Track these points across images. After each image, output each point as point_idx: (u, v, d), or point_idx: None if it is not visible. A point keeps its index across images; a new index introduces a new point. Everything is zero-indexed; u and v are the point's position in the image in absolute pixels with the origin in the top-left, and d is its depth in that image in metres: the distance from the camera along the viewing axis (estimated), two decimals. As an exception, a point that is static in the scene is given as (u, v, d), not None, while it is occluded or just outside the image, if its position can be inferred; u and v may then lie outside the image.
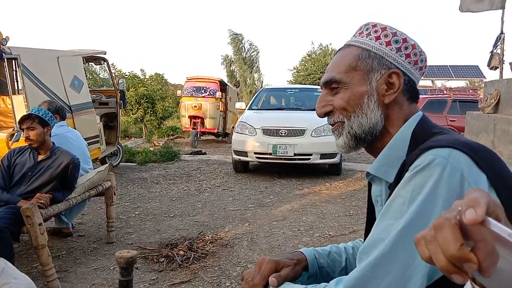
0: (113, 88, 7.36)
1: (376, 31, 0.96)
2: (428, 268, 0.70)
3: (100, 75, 19.46)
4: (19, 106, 4.74)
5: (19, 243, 3.40)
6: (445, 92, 13.19)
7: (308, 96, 8.30)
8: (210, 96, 11.86)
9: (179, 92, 12.83)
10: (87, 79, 6.64)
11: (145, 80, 14.42)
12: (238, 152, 6.84)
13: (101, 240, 3.80)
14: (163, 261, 3.26)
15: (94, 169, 3.85)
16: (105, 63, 7.37)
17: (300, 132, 6.55)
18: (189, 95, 11.94)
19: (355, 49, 0.97)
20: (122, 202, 5.13)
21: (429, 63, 1.01)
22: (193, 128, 11.41)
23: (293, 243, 3.77)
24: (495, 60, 5.93)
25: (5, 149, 4.10)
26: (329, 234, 4.00)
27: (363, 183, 6.20)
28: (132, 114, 12.94)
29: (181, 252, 3.38)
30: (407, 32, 0.96)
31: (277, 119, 7.00)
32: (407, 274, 0.72)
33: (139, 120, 13.11)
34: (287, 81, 29.80)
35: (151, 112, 13.05)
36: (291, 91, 8.89)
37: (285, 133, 6.58)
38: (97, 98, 7.24)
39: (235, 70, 31.25)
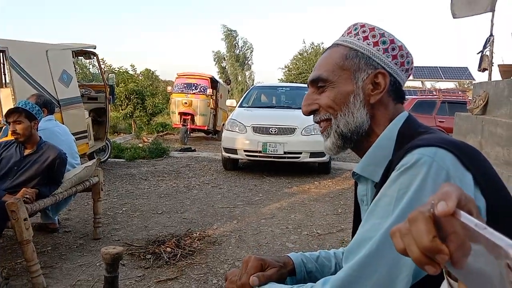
0: (103, 83, 7.29)
1: (364, 32, 0.96)
2: (414, 267, 0.70)
3: (90, 70, 19.29)
4: (7, 100, 4.68)
5: (1, 238, 3.35)
6: (434, 93, 13.30)
7: (299, 95, 8.31)
8: (201, 93, 11.83)
9: (169, 88, 12.77)
10: (76, 73, 6.57)
11: (136, 75, 14.32)
12: (228, 150, 6.83)
13: (88, 236, 3.77)
14: (150, 258, 3.24)
15: (82, 164, 3.82)
16: (95, 57, 7.30)
17: (290, 131, 6.56)
18: (180, 91, 11.89)
19: (343, 49, 0.97)
20: (109, 198, 5.10)
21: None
22: (183, 125, 11.35)
23: (281, 241, 3.77)
24: (485, 62, 5.98)
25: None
26: (317, 233, 4.01)
27: (352, 182, 6.23)
28: (122, 109, 12.85)
29: (168, 249, 3.37)
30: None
31: (268, 117, 7.00)
32: (394, 272, 0.72)
33: (128, 116, 13.01)
34: (278, 79, 29.79)
35: (141, 108, 12.97)
36: (282, 90, 8.91)
37: (275, 131, 6.58)
38: (86, 93, 7.17)
39: (226, 67, 31.14)
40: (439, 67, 22.65)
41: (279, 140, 6.48)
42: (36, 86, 5.07)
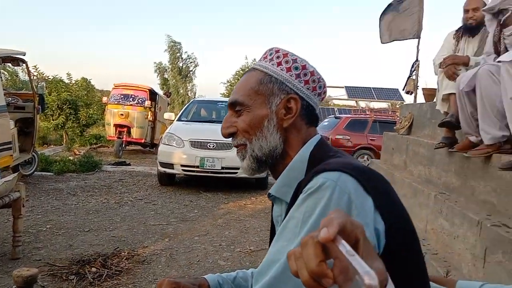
0: (32, 92, 6.88)
1: (278, 57, 0.99)
2: None
3: (21, 78, 18.20)
4: None
5: None
6: (367, 112, 14.01)
7: (238, 110, 8.35)
8: (139, 104, 11.53)
9: (105, 99, 12.32)
10: (4, 80, 6.15)
11: (71, 84, 13.67)
12: (164, 164, 6.68)
13: (5, 256, 3.51)
14: (73, 279, 3.07)
15: (2, 178, 3.55)
16: (24, 64, 6.89)
17: (228, 146, 6.56)
18: (116, 102, 11.51)
19: (259, 73, 0.99)
20: (33, 214, 4.77)
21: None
22: (118, 137, 10.95)
23: (213, 258, 3.73)
24: (410, 85, 6.40)
25: None
26: (250, 249, 4.01)
27: (287, 198, 6.33)
28: (53, 120, 12.19)
29: (93, 269, 3.21)
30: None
31: (206, 131, 6.95)
32: None
33: (60, 126, 12.38)
34: (221, 94, 29.86)
35: (74, 119, 12.41)
36: (222, 104, 8.90)
37: (213, 146, 6.55)
38: (13, 101, 6.74)
39: (168, 79, 30.67)
40: (372, 88, 23.96)
41: (217, 155, 6.46)
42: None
